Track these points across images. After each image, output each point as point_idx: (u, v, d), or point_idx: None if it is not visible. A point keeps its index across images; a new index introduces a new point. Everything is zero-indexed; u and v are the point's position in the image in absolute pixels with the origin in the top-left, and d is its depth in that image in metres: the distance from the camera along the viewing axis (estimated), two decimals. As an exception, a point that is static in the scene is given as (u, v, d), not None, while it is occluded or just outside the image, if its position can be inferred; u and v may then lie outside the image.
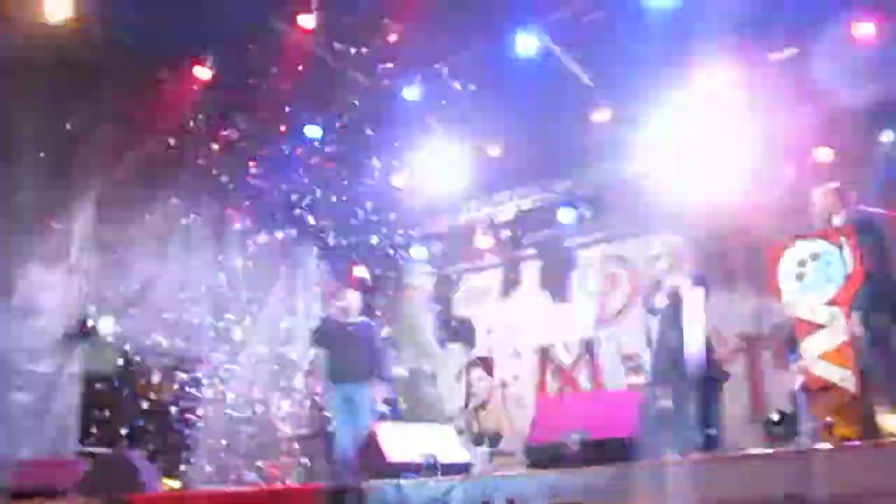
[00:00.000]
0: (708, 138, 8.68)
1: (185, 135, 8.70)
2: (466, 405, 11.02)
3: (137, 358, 9.20)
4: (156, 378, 9.40)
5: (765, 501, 3.68)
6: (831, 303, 4.98)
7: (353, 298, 7.69)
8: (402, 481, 4.96)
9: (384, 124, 9.38)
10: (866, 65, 8.15)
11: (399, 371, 7.15)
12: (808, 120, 8.69)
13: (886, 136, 8.48)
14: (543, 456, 4.84)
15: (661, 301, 6.34)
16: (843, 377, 4.89)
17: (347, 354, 7.33)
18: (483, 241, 10.63)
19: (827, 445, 4.37)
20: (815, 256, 5.08)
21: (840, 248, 5.00)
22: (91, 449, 8.30)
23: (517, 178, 10.28)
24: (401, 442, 5.64)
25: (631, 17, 8.07)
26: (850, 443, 4.51)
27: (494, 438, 9.87)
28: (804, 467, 3.82)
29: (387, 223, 10.18)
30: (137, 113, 8.40)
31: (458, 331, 11.19)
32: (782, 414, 7.53)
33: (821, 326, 4.99)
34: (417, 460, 5.41)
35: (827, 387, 4.96)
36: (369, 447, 5.70)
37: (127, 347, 9.18)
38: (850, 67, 8.12)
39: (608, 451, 4.53)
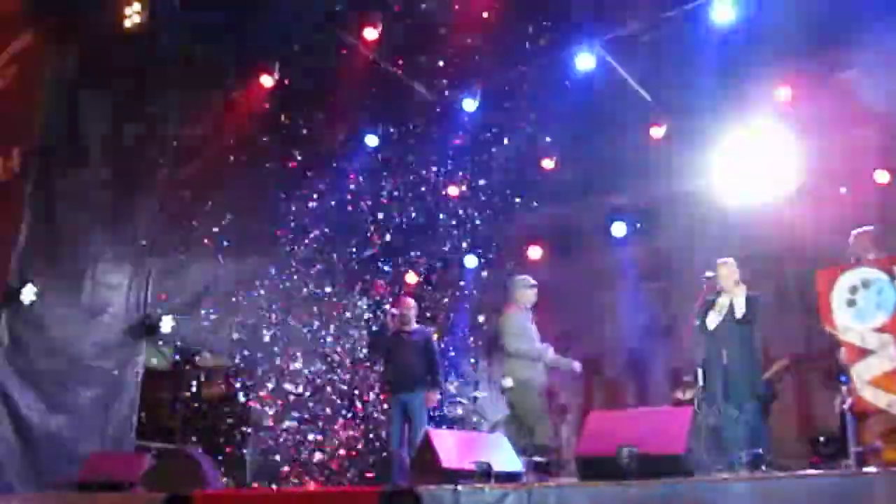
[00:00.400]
0: (766, 157, 8.91)
1: (249, 139, 9.11)
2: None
3: (195, 358, 9.67)
4: (210, 378, 9.87)
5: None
6: (881, 330, 5.19)
7: (410, 306, 8.03)
8: (459, 487, 5.27)
9: (443, 134, 9.74)
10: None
11: (506, 382, 7.48)
12: (868, 142, 8.88)
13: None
14: (594, 468, 5.10)
15: (712, 321, 6.61)
16: (891, 403, 5.11)
17: (404, 362, 7.68)
18: (534, 250, 11.00)
19: (873, 469, 4.61)
20: (866, 284, 5.30)
21: (892, 277, 5.22)
22: (154, 444, 8.74)
23: (571, 191, 10.55)
24: (455, 449, 5.95)
25: (692, 36, 8.35)
26: (896, 467, 4.73)
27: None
28: (850, 489, 4.07)
29: (442, 232, 10.55)
30: (204, 119, 8.87)
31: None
32: (830, 435, 7.73)
33: (870, 352, 5.21)
34: (471, 467, 5.73)
35: (875, 411, 5.18)
36: (425, 452, 6.02)
37: (185, 347, 9.66)
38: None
39: (659, 466, 4.77)
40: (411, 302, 8.14)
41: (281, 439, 9.60)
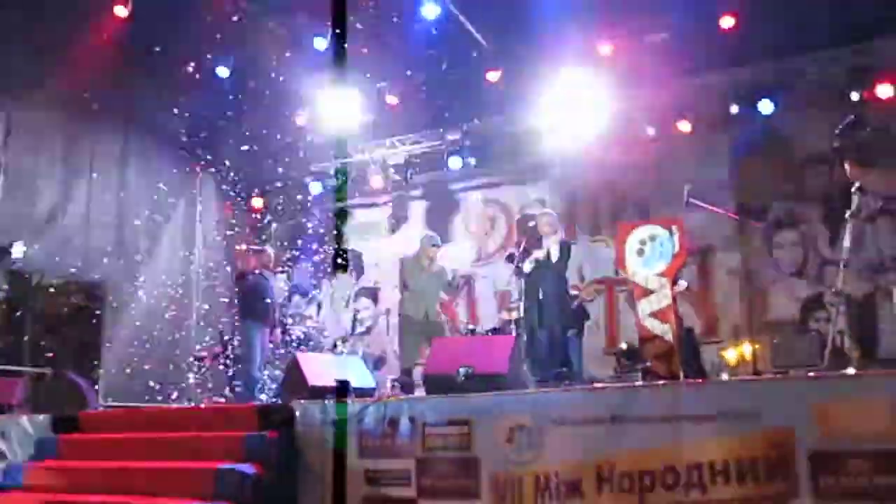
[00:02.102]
0: (587, 105, 10.90)
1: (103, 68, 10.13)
2: (352, 331, 13.17)
3: (45, 282, 10.75)
4: (64, 301, 10.99)
5: (589, 420, 5.98)
6: (661, 274, 7.24)
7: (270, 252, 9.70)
8: (326, 402, 6.98)
9: (293, 69, 11.08)
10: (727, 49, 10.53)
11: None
12: (674, 95, 11.04)
13: (735, 110, 10.95)
14: (438, 384, 6.89)
15: (531, 263, 8.60)
16: (664, 331, 7.21)
17: (263, 299, 9.33)
18: (375, 180, 12.72)
19: (640, 382, 6.71)
20: (652, 238, 7.30)
21: (671, 233, 7.27)
22: (30, 369, 9.90)
23: (412, 125, 12.27)
24: (319, 369, 7.65)
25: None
26: (662, 381, 6.83)
27: (378, 363, 12.12)
28: (622, 397, 6.11)
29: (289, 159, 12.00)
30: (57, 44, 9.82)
31: (347, 262, 13.36)
32: (630, 345, 9.93)
33: (651, 291, 7.26)
34: (333, 384, 7.42)
35: (652, 337, 7.27)
36: (293, 373, 7.68)
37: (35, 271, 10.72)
38: (712, 51, 10.48)
39: (488, 382, 6.58)
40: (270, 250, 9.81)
41: (136, 358, 10.92)
